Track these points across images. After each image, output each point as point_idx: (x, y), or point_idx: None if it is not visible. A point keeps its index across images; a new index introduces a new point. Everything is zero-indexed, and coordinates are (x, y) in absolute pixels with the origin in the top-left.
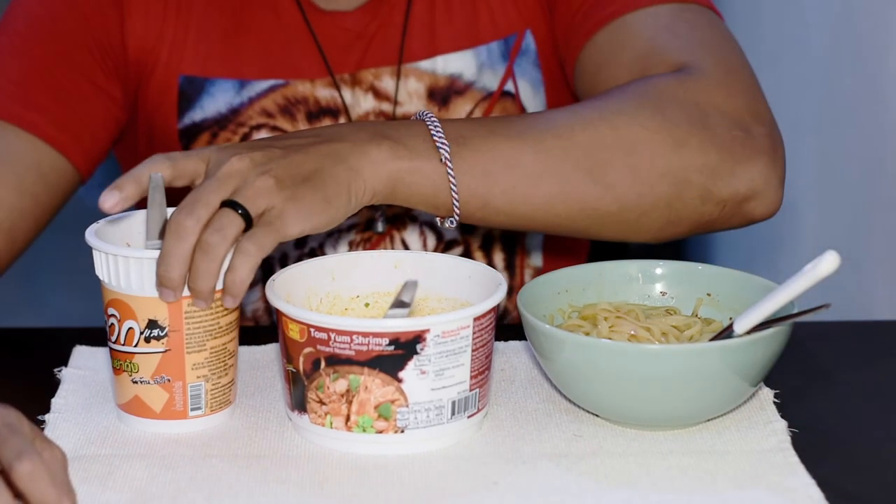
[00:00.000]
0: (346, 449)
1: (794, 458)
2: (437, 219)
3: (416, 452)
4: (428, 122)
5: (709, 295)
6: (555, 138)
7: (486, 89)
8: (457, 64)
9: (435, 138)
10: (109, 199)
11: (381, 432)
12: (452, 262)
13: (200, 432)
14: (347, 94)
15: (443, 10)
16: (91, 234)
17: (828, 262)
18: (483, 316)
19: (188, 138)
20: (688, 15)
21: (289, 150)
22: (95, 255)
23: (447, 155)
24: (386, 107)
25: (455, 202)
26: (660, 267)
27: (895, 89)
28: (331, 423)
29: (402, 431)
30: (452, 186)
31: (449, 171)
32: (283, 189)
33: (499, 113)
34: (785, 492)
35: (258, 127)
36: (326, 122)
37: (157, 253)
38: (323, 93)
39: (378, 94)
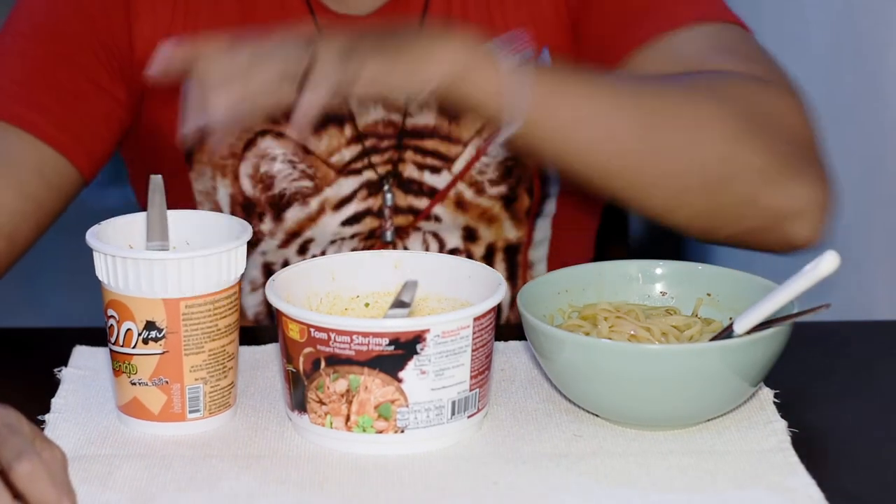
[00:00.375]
0: (346, 449)
1: (794, 458)
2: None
3: (416, 452)
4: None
5: (709, 295)
6: (619, 89)
7: None
8: None
9: (505, 53)
10: (162, 58)
11: (381, 432)
12: (452, 262)
13: (200, 433)
14: (354, 101)
15: (459, 22)
16: (91, 236)
17: (828, 262)
18: (483, 316)
19: (192, 142)
20: (733, 34)
21: (367, 37)
22: (95, 255)
23: (521, 66)
24: (395, 117)
25: (517, 110)
26: (660, 267)
27: (895, 87)
28: (331, 423)
29: (402, 431)
30: (519, 94)
31: (520, 79)
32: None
33: None
34: (785, 492)
35: (263, 133)
36: (332, 129)
37: (156, 254)
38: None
39: (387, 104)
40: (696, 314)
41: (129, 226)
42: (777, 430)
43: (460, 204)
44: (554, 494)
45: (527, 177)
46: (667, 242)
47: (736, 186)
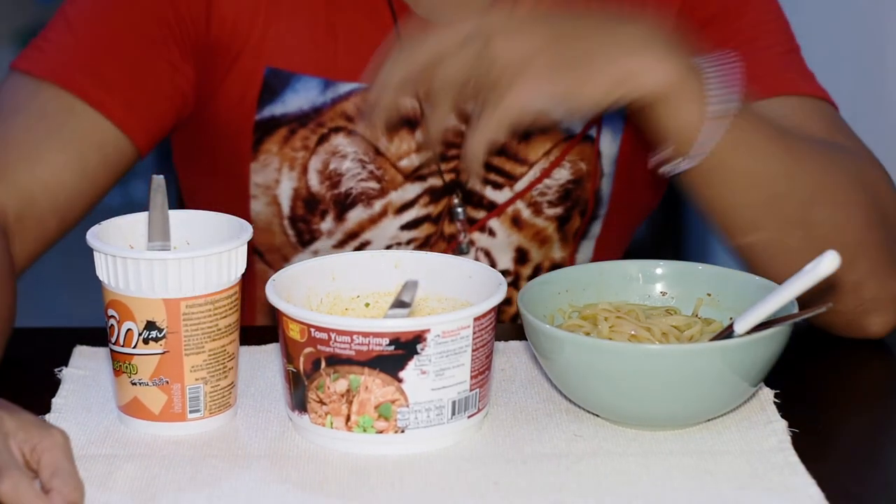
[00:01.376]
0: (346, 449)
1: (794, 458)
2: (663, 160)
3: (416, 452)
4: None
5: (709, 295)
6: (789, 153)
7: (570, 131)
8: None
9: (714, 85)
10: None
11: (381, 432)
12: (452, 262)
13: (200, 433)
14: (428, 106)
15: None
16: (92, 236)
17: (828, 262)
18: (483, 316)
19: (263, 131)
20: (829, 111)
21: (563, 36)
22: (96, 255)
23: (725, 101)
24: (466, 128)
25: (705, 147)
26: (660, 267)
27: (895, 89)
28: (331, 423)
29: (403, 431)
30: (715, 132)
31: (722, 118)
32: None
33: (575, 157)
34: (785, 492)
35: (336, 130)
36: (404, 132)
37: (156, 254)
38: (404, 101)
39: (460, 115)
40: (696, 314)
41: (130, 226)
42: (777, 430)
43: (516, 221)
44: (554, 494)
45: (583, 200)
46: (667, 242)
47: (850, 271)
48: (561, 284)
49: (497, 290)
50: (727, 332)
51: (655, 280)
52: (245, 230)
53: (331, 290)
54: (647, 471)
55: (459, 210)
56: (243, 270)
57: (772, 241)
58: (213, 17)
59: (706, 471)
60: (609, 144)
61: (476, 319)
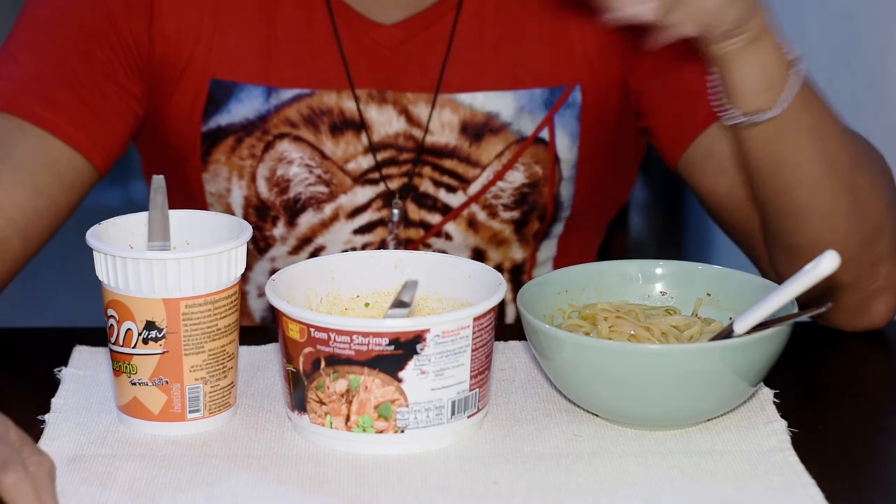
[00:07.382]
0: (346, 449)
1: (794, 458)
2: (735, 114)
3: (416, 452)
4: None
5: (709, 295)
6: (839, 121)
7: (521, 133)
8: (496, 103)
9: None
10: None
11: (381, 432)
12: (452, 261)
13: (200, 433)
14: (373, 109)
15: (489, 47)
16: (92, 236)
17: (828, 262)
18: (483, 316)
19: (211, 141)
20: None
21: None
22: (96, 255)
23: (801, 60)
24: (416, 132)
25: (784, 101)
26: (660, 267)
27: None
28: (331, 423)
29: (402, 431)
30: (793, 86)
31: (799, 72)
32: None
33: (529, 160)
34: (785, 492)
35: (281, 136)
36: (349, 135)
37: (156, 254)
38: (348, 104)
39: (410, 119)
40: (696, 314)
41: (130, 225)
42: (777, 430)
43: (472, 224)
44: (554, 494)
45: (540, 204)
46: (667, 242)
47: (878, 241)
48: (560, 284)
49: (497, 290)
50: (727, 332)
51: (655, 280)
52: (245, 230)
53: (330, 290)
54: (646, 471)
55: (395, 212)
56: (243, 270)
57: (826, 203)
58: (156, 36)
59: (706, 471)
60: (567, 149)
61: (476, 319)
